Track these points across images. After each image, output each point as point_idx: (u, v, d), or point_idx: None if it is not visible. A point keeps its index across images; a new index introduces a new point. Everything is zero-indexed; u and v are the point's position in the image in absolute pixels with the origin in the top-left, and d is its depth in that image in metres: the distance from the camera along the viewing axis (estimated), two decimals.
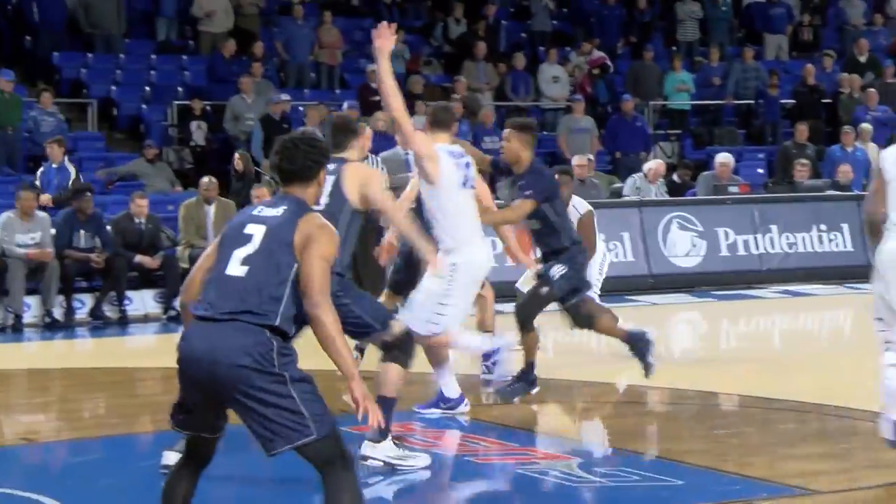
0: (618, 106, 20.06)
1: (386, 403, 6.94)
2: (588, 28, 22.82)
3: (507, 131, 8.86)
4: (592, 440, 8.59)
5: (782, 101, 21.56)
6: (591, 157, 17.10)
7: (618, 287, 13.64)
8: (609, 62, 21.36)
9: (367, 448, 7.07)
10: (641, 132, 19.81)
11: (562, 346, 11.52)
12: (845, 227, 16.98)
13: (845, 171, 18.11)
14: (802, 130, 19.54)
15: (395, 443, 7.19)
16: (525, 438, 8.31)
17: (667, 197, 17.19)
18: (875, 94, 21.03)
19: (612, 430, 8.66)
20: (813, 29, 24.27)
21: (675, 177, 18.07)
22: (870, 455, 7.29)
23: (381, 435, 7.03)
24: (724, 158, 17.59)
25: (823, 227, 17.00)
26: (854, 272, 15.50)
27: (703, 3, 23.16)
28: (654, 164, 17.18)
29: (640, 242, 15.89)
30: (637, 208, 16.32)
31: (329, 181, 6.62)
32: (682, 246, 16.25)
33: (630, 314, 12.62)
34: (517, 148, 8.72)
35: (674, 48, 22.74)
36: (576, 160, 15.89)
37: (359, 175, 7.10)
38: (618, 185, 17.65)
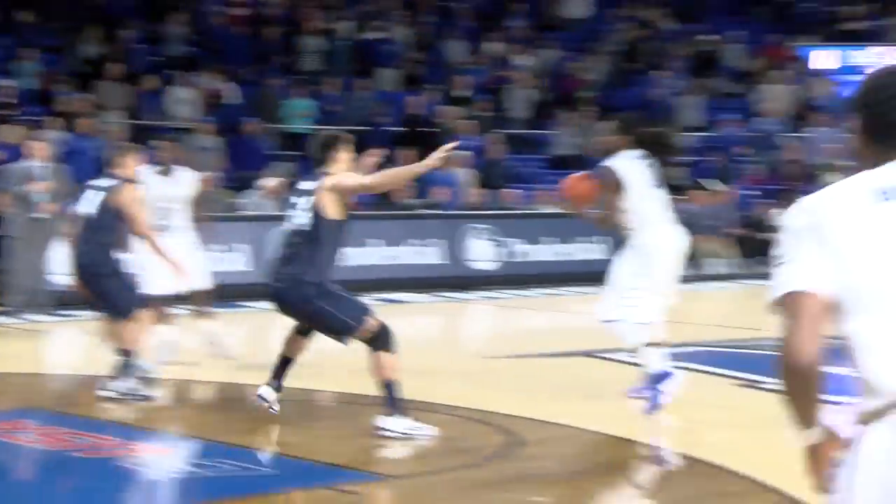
0: (240, 128, 19.99)
1: (389, 384, 7.39)
2: (217, 54, 22.68)
3: None
4: (199, 435, 8.39)
5: (392, 128, 22.05)
6: (213, 174, 17.00)
7: (234, 294, 13.52)
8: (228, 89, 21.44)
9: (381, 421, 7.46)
10: (260, 152, 19.76)
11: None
12: (435, 241, 17.63)
13: (442, 192, 18.81)
14: (408, 155, 19.98)
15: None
16: (137, 434, 8.16)
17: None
18: (471, 125, 21.83)
19: (214, 425, 8.54)
20: (419, 64, 24.92)
21: None
22: (447, 444, 7.57)
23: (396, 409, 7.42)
24: None
25: (417, 241, 17.57)
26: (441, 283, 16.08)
27: (325, 36, 23.47)
28: (269, 182, 17.23)
29: (253, 254, 15.83)
30: (252, 222, 16.31)
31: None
32: None
33: (244, 320, 12.70)
34: None
35: (295, 76, 22.87)
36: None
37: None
38: (236, 200, 17.65)
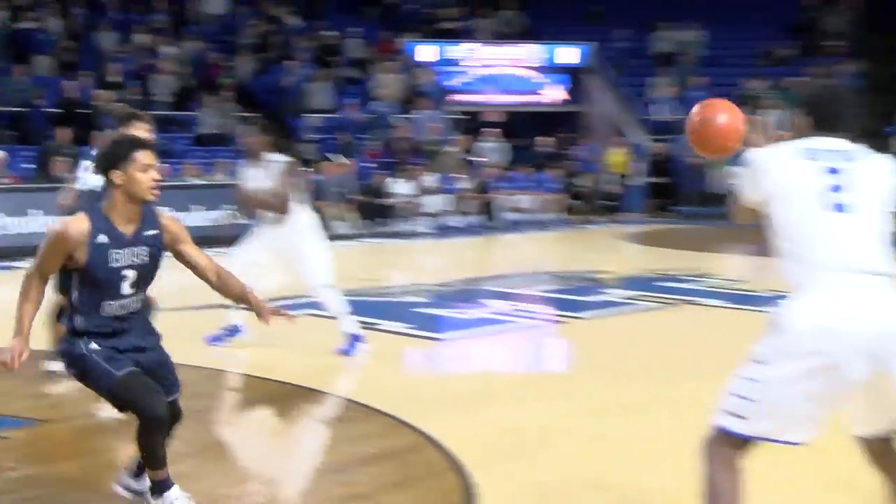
0: None
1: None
2: None
3: None
4: None
5: (50, 109, 21.27)
6: None
7: None
8: None
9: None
10: None
11: None
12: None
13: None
14: (63, 133, 19.44)
15: None
16: None
17: None
18: (122, 108, 21.31)
19: None
20: (73, 52, 24.06)
21: None
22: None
23: None
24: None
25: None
26: None
27: None
28: None
29: None
30: None
31: None
32: None
33: None
34: None
35: None
36: None
37: None
38: None
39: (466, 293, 12.22)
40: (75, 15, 25.39)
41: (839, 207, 3.56)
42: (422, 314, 10.36)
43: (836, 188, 3.60)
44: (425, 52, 28.33)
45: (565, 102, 28.98)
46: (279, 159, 8.29)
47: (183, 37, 25.93)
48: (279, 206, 8.13)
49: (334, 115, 24.42)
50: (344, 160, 20.89)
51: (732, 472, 3.61)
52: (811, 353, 3.44)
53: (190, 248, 4.52)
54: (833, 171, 3.64)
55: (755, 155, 3.78)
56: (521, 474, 5.31)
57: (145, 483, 4.51)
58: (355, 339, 8.26)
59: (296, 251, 8.19)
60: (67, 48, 24.04)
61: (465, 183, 22.29)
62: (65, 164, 18.15)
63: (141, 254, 4.28)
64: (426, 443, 5.74)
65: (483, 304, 11.14)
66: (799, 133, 3.83)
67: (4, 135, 21.11)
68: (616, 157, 24.84)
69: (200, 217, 18.27)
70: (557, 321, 10.46)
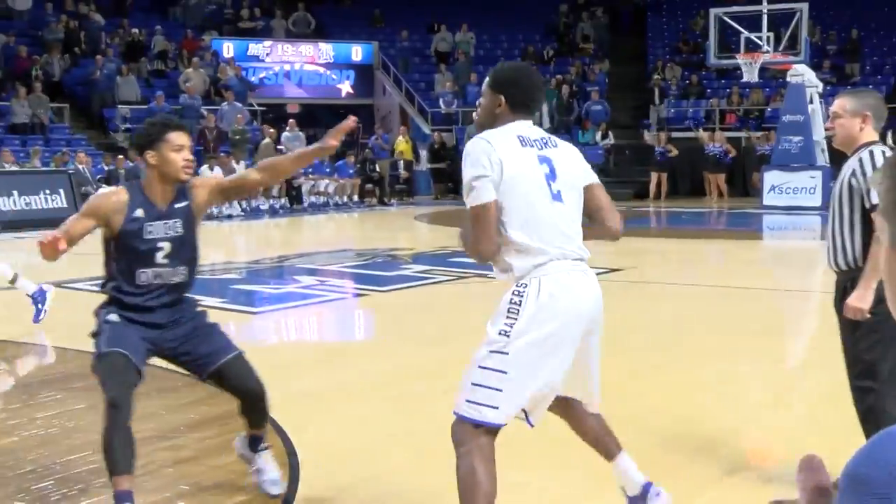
0: None
1: None
2: None
3: None
4: None
5: None
6: None
7: None
8: None
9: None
10: None
11: None
12: None
13: None
14: None
15: None
16: None
17: None
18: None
19: None
20: None
21: None
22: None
23: None
24: None
25: None
26: None
27: None
28: None
29: None
30: None
31: None
32: None
33: None
34: None
35: None
36: None
37: None
38: None
39: (277, 270, 12.07)
40: None
41: (557, 196, 3.37)
42: (237, 290, 10.17)
43: (550, 176, 3.38)
44: (227, 48, 27.79)
45: (356, 95, 28.95)
46: None
47: None
48: None
49: (143, 107, 23.62)
50: None
51: (491, 462, 3.35)
52: (549, 335, 3.30)
53: (224, 181, 4.28)
54: (544, 159, 3.40)
55: (484, 136, 3.39)
56: (332, 434, 5.28)
57: (258, 458, 4.27)
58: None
59: None
60: None
61: None
62: None
63: (175, 226, 4.00)
64: None
65: (293, 279, 11.03)
66: (496, 116, 3.47)
67: None
68: (402, 145, 24.98)
69: (15, 202, 17.45)
70: (360, 294, 10.45)
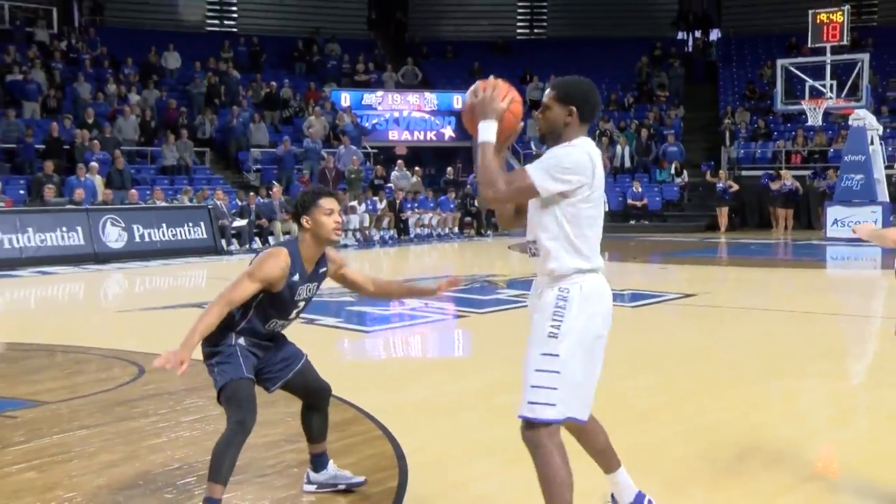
0: None
1: None
2: None
3: None
4: None
5: (37, 146, 20.65)
6: None
7: None
8: None
9: None
10: None
11: None
12: (78, 228, 16.63)
13: (80, 193, 17.83)
14: (49, 165, 18.89)
15: None
16: None
17: None
18: (98, 144, 20.87)
19: None
20: (56, 100, 23.41)
21: None
22: (89, 376, 7.10)
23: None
24: None
25: (64, 228, 16.56)
26: (83, 259, 15.24)
27: None
28: None
29: None
30: None
31: None
32: None
33: None
34: None
35: None
36: None
37: None
38: None
39: None
40: (57, 69, 24.78)
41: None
42: (351, 311, 10.27)
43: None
44: (345, 98, 28.26)
45: (457, 139, 29.13)
46: None
47: (147, 86, 25.42)
48: None
49: (272, 150, 24.16)
50: (278, 186, 20.71)
51: (567, 459, 3.25)
52: (591, 335, 3.25)
53: (349, 271, 4.20)
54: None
55: (584, 146, 3.29)
56: (437, 439, 5.26)
57: (328, 469, 4.25)
58: None
59: None
60: (51, 96, 23.49)
61: (381, 204, 22.30)
62: (51, 190, 17.71)
63: (312, 288, 4.02)
64: (360, 416, 5.65)
65: (400, 302, 11.09)
66: (565, 128, 3.34)
67: (2, 166, 20.60)
68: None
69: (163, 233, 18.03)
70: (460, 316, 10.45)
